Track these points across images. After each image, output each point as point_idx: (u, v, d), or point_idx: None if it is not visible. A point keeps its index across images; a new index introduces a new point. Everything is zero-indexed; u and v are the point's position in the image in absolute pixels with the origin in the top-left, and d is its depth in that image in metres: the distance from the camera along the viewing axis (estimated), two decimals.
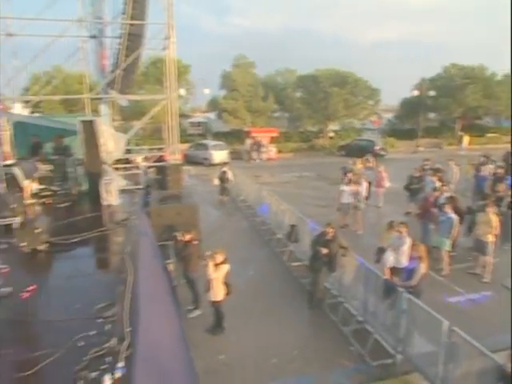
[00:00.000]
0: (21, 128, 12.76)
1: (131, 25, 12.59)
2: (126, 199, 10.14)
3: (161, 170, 11.48)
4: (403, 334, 6.38)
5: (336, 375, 6.22)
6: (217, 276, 6.66)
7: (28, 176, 9.45)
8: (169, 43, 11.95)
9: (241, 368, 6.29)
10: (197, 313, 7.61)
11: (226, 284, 6.86)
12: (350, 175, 13.88)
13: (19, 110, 15.76)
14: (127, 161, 14.63)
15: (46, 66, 26.20)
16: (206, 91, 37.07)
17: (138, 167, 13.88)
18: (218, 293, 6.77)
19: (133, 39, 12.77)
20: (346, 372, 6.30)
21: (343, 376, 6.23)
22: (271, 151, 31.85)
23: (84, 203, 9.83)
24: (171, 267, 8.08)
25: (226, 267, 6.73)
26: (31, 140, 11.59)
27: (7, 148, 14.12)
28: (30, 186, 9.77)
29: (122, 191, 10.29)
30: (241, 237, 12.66)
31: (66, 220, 8.27)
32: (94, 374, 3.60)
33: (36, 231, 6.51)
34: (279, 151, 33.01)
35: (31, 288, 5.27)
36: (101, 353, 3.89)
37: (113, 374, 3.55)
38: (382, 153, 30.87)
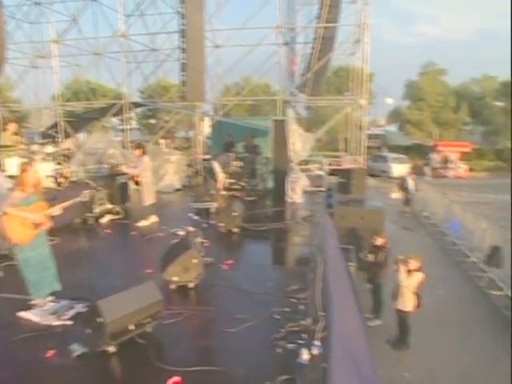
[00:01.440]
0: (218, 128, 14.61)
1: (325, 28, 13.15)
2: (308, 199, 10.52)
3: (344, 174, 11.51)
4: None
5: None
6: (408, 284, 6.23)
7: (223, 167, 10.63)
8: (362, 44, 12.03)
9: None
10: (377, 322, 7.28)
11: (417, 295, 6.37)
12: None
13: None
14: (306, 163, 15.17)
15: (237, 78, 29.59)
16: (389, 101, 36.05)
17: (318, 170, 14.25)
18: (408, 302, 6.33)
19: (325, 42, 13.33)
20: None
21: None
22: (460, 168, 28.90)
23: (269, 199, 10.57)
24: (352, 270, 7.99)
25: (419, 275, 6.25)
26: (226, 139, 13.06)
27: (206, 145, 16.40)
28: (224, 179, 11.00)
29: (304, 192, 10.71)
30: (425, 254, 11.53)
31: (253, 211, 9.03)
32: (291, 346, 3.76)
33: (233, 214, 7.26)
34: (470, 169, 29.72)
35: (229, 262, 5.90)
36: (296, 329, 4.06)
37: (309, 349, 3.64)
38: None
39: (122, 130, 20.86)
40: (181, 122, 28.67)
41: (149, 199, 7.81)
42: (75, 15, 16.88)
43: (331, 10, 13.15)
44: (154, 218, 7.91)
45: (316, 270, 5.43)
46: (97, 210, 8.24)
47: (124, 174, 9.04)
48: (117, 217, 8.47)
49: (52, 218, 4.48)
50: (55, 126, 14.44)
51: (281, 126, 10.37)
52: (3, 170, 7.56)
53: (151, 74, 17.32)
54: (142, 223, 7.85)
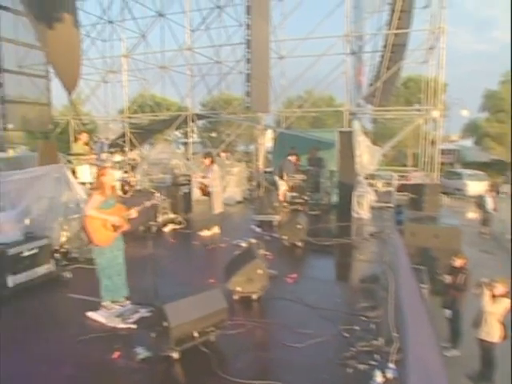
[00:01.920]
0: (281, 140, 14.68)
1: (395, 35, 12.87)
2: (375, 215, 10.20)
3: (416, 190, 11.04)
4: None
5: None
6: (494, 310, 5.73)
7: (283, 172, 10.65)
8: (438, 50, 11.63)
9: None
10: (454, 353, 6.77)
11: (503, 325, 5.84)
12: None
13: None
14: (373, 178, 14.77)
15: (300, 90, 29.72)
16: (464, 113, 34.21)
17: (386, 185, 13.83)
18: (492, 332, 5.80)
19: (396, 50, 13.03)
20: None
21: None
22: None
23: (334, 213, 10.37)
24: (425, 293, 7.57)
25: (506, 302, 5.74)
26: (289, 151, 13.06)
27: (268, 158, 16.54)
28: (285, 191, 10.98)
29: (371, 207, 10.40)
30: (508, 282, 10.87)
31: (316, 225, 8.90)
32: (362, 366, 3.60)
33: (298, 226, 7.19)
34: None
35: (293, 275, 5.82)
36: (368, 348, 3.88)
37: (383, 372, 3.46)
38: None
39: (184, 143, 21.65)
40: (241, 135, 29.25)
41: (218, 207, 7.99)
42: (144, 31, 17.95)
43: (402, 15, 12.86)
44: (216, 229, 8.04)
45: (387, 288, 5.20)
46: (160, 218, 8.54)
47: (188, 182, 9.36)
48: (179, 226, 8.71)
49: (129, 220, 4.70)
50: (122, 136, 15.30)
51: (347, 138, 10.18)
52: (76, 178, 8.07)
53: (214, 86, 17.89)
54: (204, 233, 8.00)
